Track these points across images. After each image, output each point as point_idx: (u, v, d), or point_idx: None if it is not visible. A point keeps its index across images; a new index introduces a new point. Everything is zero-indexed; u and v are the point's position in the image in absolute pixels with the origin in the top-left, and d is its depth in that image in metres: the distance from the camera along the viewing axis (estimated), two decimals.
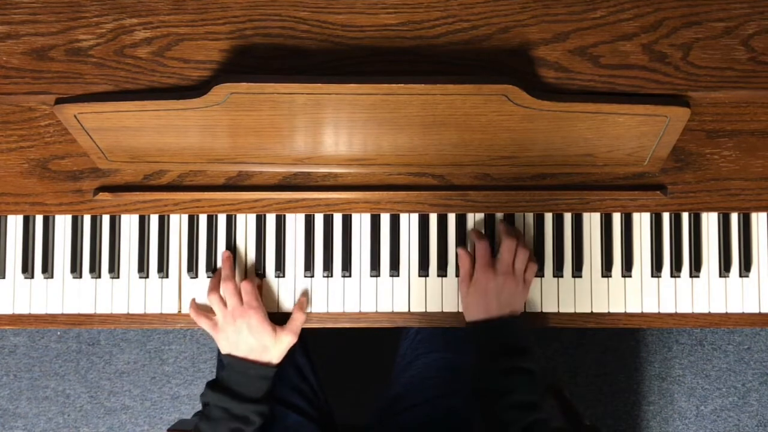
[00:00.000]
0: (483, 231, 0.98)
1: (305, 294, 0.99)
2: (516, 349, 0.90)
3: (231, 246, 0.99)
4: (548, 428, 0.87)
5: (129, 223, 1.00)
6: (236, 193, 0.96)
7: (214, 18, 0.89)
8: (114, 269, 0.99)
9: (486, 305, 0.92)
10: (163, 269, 0.99)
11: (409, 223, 0.99)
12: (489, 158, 0.92)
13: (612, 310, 0.98)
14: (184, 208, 0.97)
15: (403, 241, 0.99)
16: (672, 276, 0.98)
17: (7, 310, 1.00)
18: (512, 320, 0.92)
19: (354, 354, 1.61)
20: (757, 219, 0.98)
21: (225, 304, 0.94)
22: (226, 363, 0.94)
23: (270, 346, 0.93)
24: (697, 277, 0.98)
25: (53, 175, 0.96)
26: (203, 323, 0.96)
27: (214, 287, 0.95)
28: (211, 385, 0.92)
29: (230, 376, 0.92)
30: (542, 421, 0.87)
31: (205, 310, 0.97)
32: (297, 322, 0.96)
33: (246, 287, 0.94)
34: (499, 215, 0.98)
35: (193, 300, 0.98)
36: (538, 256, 0.98)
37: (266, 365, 0.93)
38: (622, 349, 1.62)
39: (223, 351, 0.95)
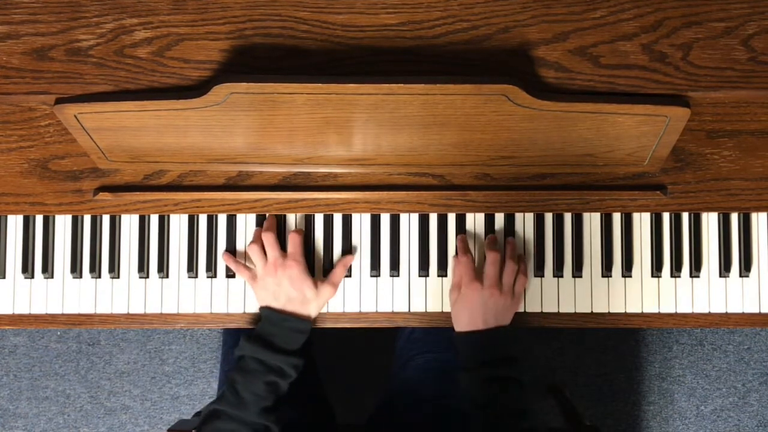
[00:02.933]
0: (483, 231, 0.98)
1: (353, 255, 0.99)
2: (502, 359, 0.90)
3: (231, 246, 0.99)
4: None
5: (129, 223, 1.00)
6: (236, 193, 0.96)
7: (214, 18, 0.89)
8: (114, 269, 0.99)
9: (471, 318, 0.92)
10: (163, 269, 0.99)
11: (409, 223, 0.99)
12: (489, 158, 0.92)
13: (612, 310, 0.98)
14: (184, 208, 0.97)
15: (403, 241, 0.99)
16: (672, 276, 0.98)
17: (7, 310, 1.00)
18: (498, 331, 0.91)
19: (354, 354, 1.61)
20: (757, 219, 0.98)
21: (265, 255, 0.95)
22: (263, 315, 0.94)
23: (311, 299, 0.94)
24: (697, 277, 0.98)
25: (53, 175, 0.96)
26: (242, 273, 0.97)
27: (256, 239, 0.96)
28: (247, 337, 0.92)
29: (266, 328, 0.92)
30: (533, 429, 0.86)
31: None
32: (338, 275, 0.97)
33: (294, 238, 0.95)
34: (499, 215, 0.99)
35: (226, 251, 0.99)
36: (538, 256, 0.98)
37: (304, 319, 0.94)
38: (622, 349, 1.62)
39: (261, 303, 0.95)
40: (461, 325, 0.93)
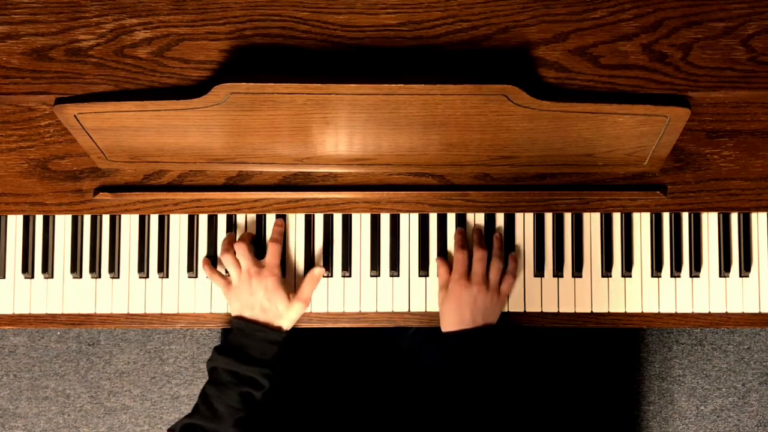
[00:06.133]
0: (483, 231, 0.98)
1: (321, 267, 0.98)
2: (485, 360, 0.90)
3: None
4: None
5: (129, 223, 1.00)
6: (236, 193, 0.96)
7: (214, 18, 0.89)
8: (114, 269, 0.99)
9: (460, 316, 0.92)
10: (163, 269, 0.99)
11: (409, 223, 0.99)
12: (489, 158, 0.92)
13: (612, 310, 0.98)
14: (184, 208, 0.97)
15: (403, 241, 0.99)
16: (672, 276, 0.98)
17: (7, 310, 1.00)
18: (486, 331, 0.92)
19: (354, 354, 1.61)
20: (757, 219, 0.98)
21: (239, 264, 0.95)
22: (235, 326, 0.93)
23: (283, 313, 0.94)
24: (697, 277, 0.98)
25: (53, 175, 0.96)
26: (217, 281, 0.97)
27: (228, 248, 0.96)
28: (219, 349, 0.91)
29: (238, 338, 0.92)
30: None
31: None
32: (307, 290, 0.96)
33: (273, 248, 0.95)
34: (499, 215, 0.99)
35: (205, 257, 0.99)
36: (538, 256, 0.98)
37: (276, 330, 0.93)
38: (622, 349, 1.62)
39: (234, 313, 0.95)
40: (449, 324, 0.93)
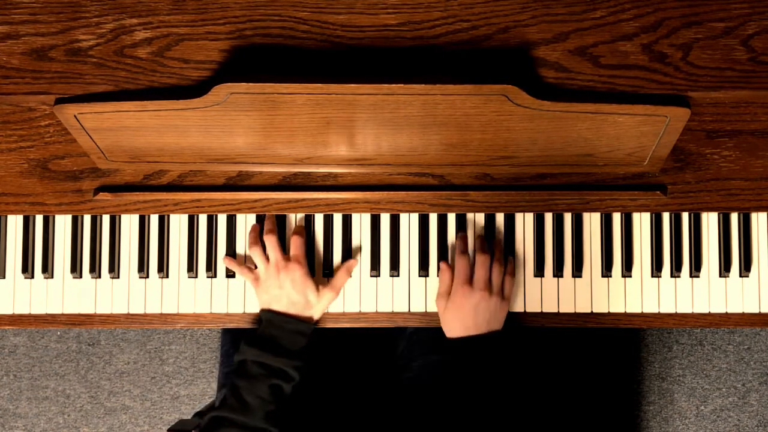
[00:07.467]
0: (483, 231, 0.98)
1: (356, 260, 0.99)
2: (490, 367, 0.90)
3: (231, 246, 0.99)
4: None
5: (129, 223, 1.00)
6: (236, 193, 0.96)
7: (214, 18, 0.89)
8: (114, 269, 0.99)
9: (464, 322, 0.92)
10: (163, 269, 0.99)
11: (409, 223, 0.99)
12: (489, 158, 0.92)
13: (612, 310, 0.98)
14: (184, 208, 0.97)
15: (403, 241, 0.99)
16: (672, 276, 0.98)
17: (7, 310, 1.00)
18: (491, 338, 0.92)
19: (353, 354, 1.61)
20: (757, 219, 0.98)
21: (267, 258, 0.95)
22: (264, 318, 0.93)
23: (313, 302, 0.94)
24: (697, 277, 0.98)
25: (53, 175, 0.96)
26: (245, 275, 0.96)
27: (255, 240, 0.96)
28: (248, 341, 0.91)
29: (268, 330, 0.92)
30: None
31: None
32: (341, 280, 0.96)
33: (296, 241, 0.95)
34: (499, 215, 0.99)
35: (226, 255, 0.99)
36: (538, 256, 0.98)
37: (305, 321, 0.93)
38: (622, 349, 1.62)
39: (262, 305, 0.95)
40: (453, 331, 0.93)
